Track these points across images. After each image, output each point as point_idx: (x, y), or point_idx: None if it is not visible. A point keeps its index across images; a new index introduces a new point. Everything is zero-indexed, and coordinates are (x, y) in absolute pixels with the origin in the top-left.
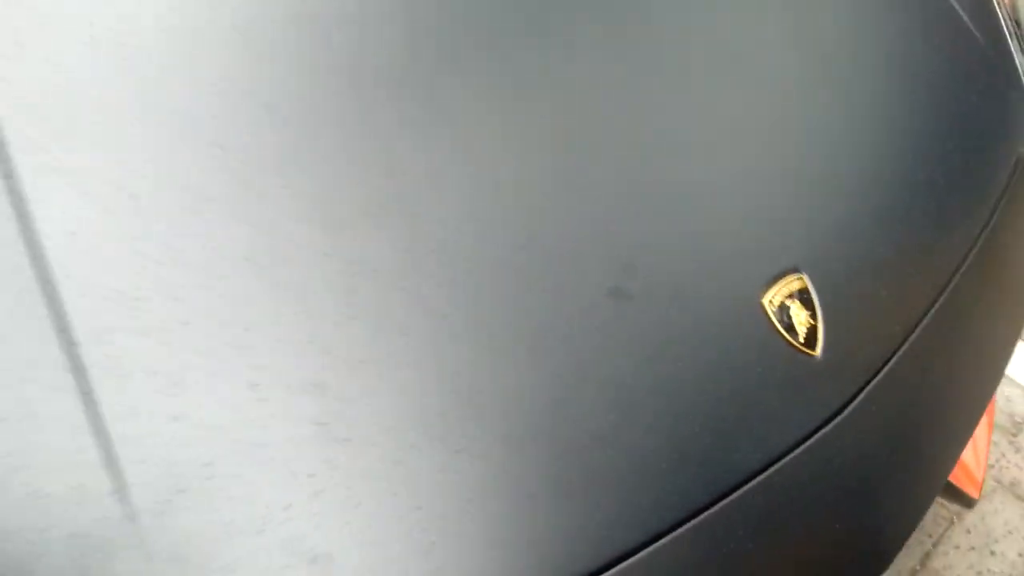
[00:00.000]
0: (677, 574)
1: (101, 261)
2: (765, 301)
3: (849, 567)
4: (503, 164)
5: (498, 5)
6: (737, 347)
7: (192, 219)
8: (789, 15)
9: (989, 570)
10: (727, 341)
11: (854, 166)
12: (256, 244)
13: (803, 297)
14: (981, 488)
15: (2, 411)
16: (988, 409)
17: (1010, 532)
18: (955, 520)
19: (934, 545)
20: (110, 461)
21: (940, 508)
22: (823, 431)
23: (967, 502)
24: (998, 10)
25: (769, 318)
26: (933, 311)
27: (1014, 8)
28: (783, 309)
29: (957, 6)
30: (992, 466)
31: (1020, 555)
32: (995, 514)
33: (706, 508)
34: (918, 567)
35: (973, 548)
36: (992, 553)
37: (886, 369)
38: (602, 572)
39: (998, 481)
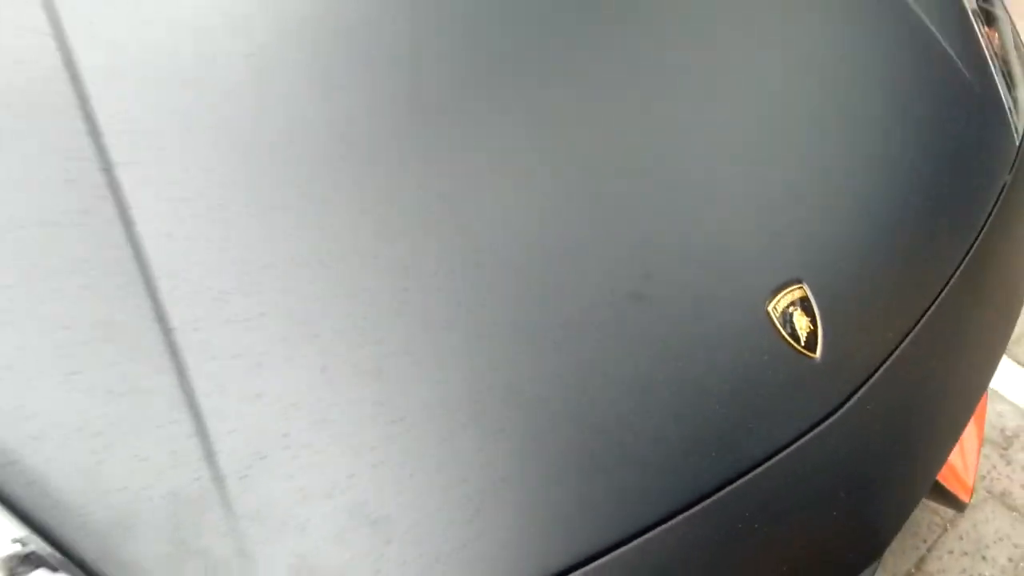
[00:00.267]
0: (692, 549)
1: (192, 260)
2: (770, 308)
3: (847, 550)
4: (540, 185)
5: (532, 51)
6: (745, 348)
7: (268, 226)
8: (799, 55)
9: (981, 573)
10: (736, 342)
11: (853, 189)
12: (323, 248)
13: (804, 305)
14: (971, 493)
15: (111, 386)
16: (978, 419)
17: (1000, 539)
18: (948, 527)
19: (928, 550)
20: (201, 430)
21: (934, 515)
22: (822, 425)
23: (958, 506)
24: (985, 51)
25: (773, 323)
26: (923, 321)
27: (1003, 49)
28: (786, 315)
29: (949, 48)
30: (984, 477)
31: (1010, 560)
32: (986, 522)
33: (718, 490)
34: (913, 570)
35: (966, 553)
36: (983, 558)
37: (880, 371)
38: (622, 545)
39: (989, 492)
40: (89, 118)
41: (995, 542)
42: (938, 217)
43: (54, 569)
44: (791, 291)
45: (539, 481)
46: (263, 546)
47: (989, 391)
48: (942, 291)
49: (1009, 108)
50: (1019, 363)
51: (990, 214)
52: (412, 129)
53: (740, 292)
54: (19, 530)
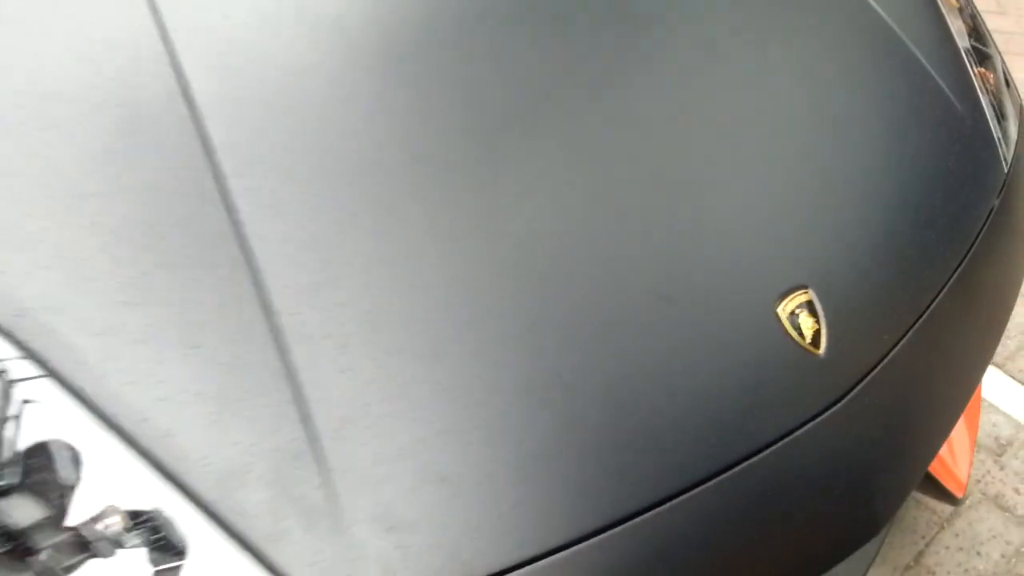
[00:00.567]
0: (713, 515)
1: (290, 257)
2: (779, 310)
3: (846, 527)
4: (585, 201)
5: (576, 89)
6: (757, 345)
7: (350, 230)
8: (808, 93)
9: (975, 568)
10: (749, 339)
11: (853, 205)
12: (395, 249)
13: (810, 307)
14: (964, 489)
15: (224, 359)
16: (972, 422)
17: (994, 536)
18: (945, 525)
19: (926, 545)
20: (299, 398)
21: (931, 514)
22: (826, 414)
23: (953, 500)
24: (977, 87)
25: (782, 323)
26: (917, 325)
27: (994, 86)
28: (793, 316)
29: (943, 84)
30: (979, 480)
31: (1002, 556)
32: (981, 521)
33: (733, 466)
34: (912, 563)
35: (961, 549)
36: (978, 554)
37: (878, 368)
38: (652, 509)
39: (984, 493)
40: (204, 137)
41: (989, 539)
42: (930, 233)
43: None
44: (798, 295)
45: (579, 452)
46: (349, 496)
47: (985, 403)
48: (934, 300)
49: (998, 139)
50: (1012, 377)
51: (979, 233)
52: (472, 151)
53: (753, 295)
54: (148, 481)
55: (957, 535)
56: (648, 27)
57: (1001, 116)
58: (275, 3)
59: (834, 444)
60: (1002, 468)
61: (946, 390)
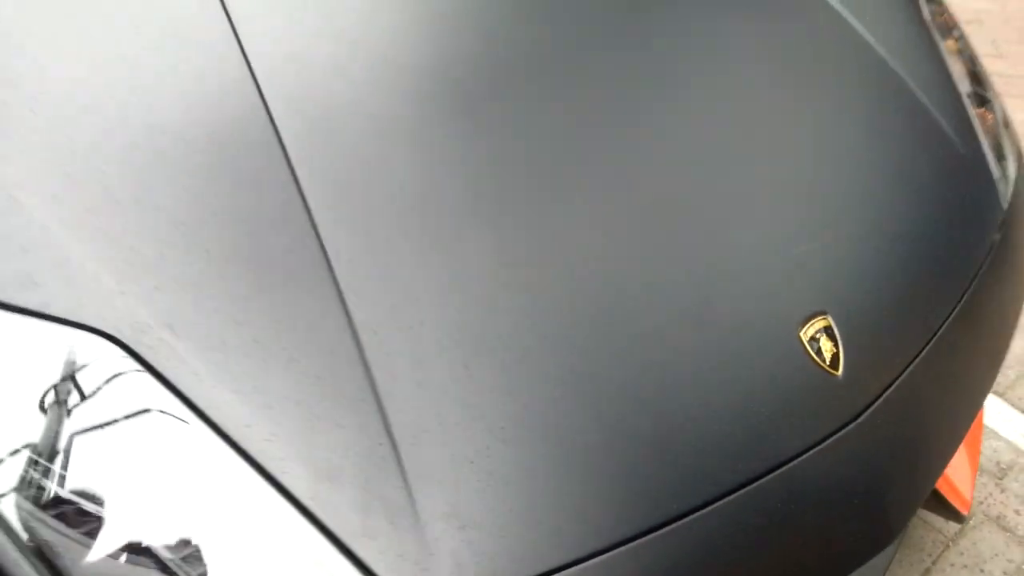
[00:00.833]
0: (743, 521)
1: (371, 281)
2: (800, 334)
3: (862, 536)
4: (626, 234)
5: (616, 139)
6: (782, 366)
7: (425, 261)
8: (822, 136)
9: None
10: (775, 362)
11: (867, 241)
12: (463, 275)
13: (828, 332)
14: (969, 507)
15: (318, 372)
16: (974, 446)
17: (996, 555)
18: (950, 544)
19: (933, 563)
20: (380, 408)
21: (937, 534)
22: (845, 430)
23: (958, 518)
24: (977, 128)
25: (804, 346)
26: (926, 350)
27: (994, 128)
28: (813, 340)
29: (945, 126)
30: (981, 503)
31: (1004, 573)
32: (984, 541)
33: (758, 479)
34: None
35: (966, 567)
36: (982, 571)
37: (891, 389)
38: (690, 514)
39: (986, 515)
40: (294, 174)
41: (991, 558)
42: (935, 265)
43: None
44: (818, 320)
45: (622, 459)
46: (425, 498)
47: (987, 429)
48: (941, 327)
49: (997, 178)
50: (1012, 405)
51: (980, 267)
52: (532, 190)
53: (777, 321)
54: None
55: (962, 554)
56: (683, 86)
57: (1000, 156)
58: (351, 46)
59: (852, 458)
60: (1003, 491)
61: (952, 409)
